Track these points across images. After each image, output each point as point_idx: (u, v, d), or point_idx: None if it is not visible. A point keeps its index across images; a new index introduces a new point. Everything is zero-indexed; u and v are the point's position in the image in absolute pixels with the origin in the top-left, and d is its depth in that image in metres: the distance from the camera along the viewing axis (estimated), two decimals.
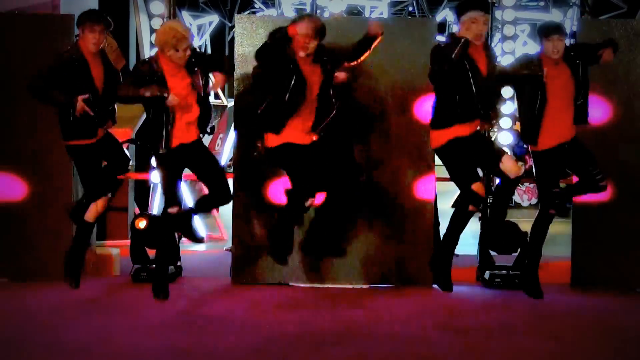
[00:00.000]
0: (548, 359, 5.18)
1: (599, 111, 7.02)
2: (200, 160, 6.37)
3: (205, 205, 6.62)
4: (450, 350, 5.33)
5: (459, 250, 8.13)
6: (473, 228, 8.89)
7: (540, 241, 6.62)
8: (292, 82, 6.08)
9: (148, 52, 8.89)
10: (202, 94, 6.26)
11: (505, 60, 7.82)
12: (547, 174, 6.53)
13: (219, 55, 6.22)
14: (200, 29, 13.97)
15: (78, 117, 6.26)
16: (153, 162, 6.88)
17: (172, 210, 6.16)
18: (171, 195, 6.22)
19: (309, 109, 6.24)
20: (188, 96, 6.18)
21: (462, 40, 6.14)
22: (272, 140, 6.28)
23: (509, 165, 6.35)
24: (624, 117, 7.13)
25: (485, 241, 7.30)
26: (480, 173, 6.68)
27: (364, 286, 7.09)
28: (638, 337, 5.69)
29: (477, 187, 6.37)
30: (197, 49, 6.34)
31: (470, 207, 6.48)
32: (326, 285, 6.94)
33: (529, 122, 6.46)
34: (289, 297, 6.72)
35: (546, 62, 6.40)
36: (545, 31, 6.45)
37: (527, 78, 6.39)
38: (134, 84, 6.06)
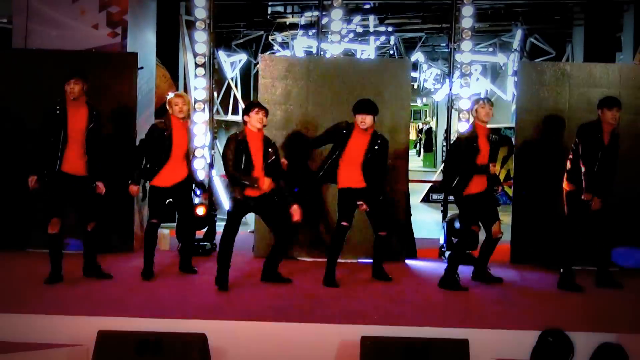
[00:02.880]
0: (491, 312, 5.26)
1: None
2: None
3: None
4: (418, 305, 5.41)
5: (428, 234, 8.12)
6: (436, 217, 8.87)
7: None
8: None
9: (193, 81, 8.88)
10: None
11: (462, 93, 7.82)
12: None
13: None
14: (232, 65, 14.06)
15: None
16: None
17: None
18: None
19: None
20: None
21: None
22: None
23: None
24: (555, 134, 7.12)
25: (449, 231, 7.31)
26: None
27: (352, 261, 7.10)
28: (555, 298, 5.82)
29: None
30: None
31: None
32: (324, 260, 6.90)
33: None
34: (297, 267, 6.77)
35: None
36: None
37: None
38: None
